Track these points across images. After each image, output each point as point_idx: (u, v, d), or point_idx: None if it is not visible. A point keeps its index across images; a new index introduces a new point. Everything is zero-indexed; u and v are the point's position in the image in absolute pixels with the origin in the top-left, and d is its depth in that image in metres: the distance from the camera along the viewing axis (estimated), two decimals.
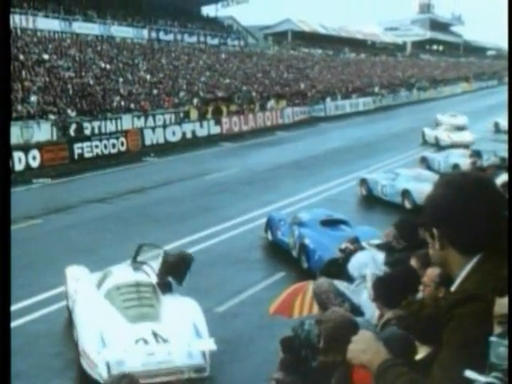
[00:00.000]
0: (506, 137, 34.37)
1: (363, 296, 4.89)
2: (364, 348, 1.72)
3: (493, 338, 1.42)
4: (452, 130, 28.43)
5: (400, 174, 17.37)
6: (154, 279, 8.73)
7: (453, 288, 1.72)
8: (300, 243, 11.86)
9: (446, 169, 18.91)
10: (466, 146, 24.41)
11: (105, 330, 7.48)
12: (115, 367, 6.88)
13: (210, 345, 7.47)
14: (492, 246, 1.64)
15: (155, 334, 7.44)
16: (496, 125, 33.03)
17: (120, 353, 7.14)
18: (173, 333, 7.56)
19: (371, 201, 17.54)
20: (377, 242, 6.07)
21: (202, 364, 7.33)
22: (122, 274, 8.94)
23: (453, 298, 1.70)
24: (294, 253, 12.18)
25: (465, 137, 27.44)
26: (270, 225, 13.57)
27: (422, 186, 14.69)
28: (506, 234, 1.60)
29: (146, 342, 7.36)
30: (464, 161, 17.43)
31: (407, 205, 16.15)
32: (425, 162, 21.64)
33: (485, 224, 1.64)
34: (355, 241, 6.97)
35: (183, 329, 7.71)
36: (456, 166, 17.98)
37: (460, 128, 29.96)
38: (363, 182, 18.29)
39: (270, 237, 13.53)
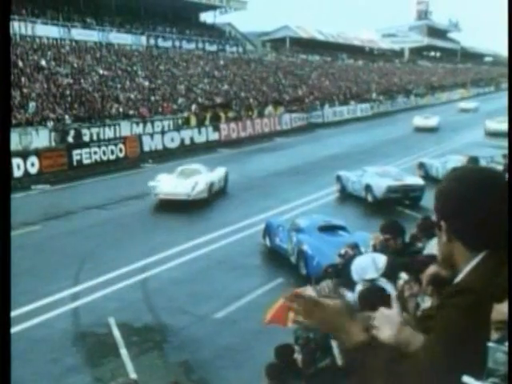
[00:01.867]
0: (498, 139, 36.60)
1: None
2: (389, 325, 1.73)
3: (491, 344, 1.41)
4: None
5: (367, 170, 18.58)
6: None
7: (456, 280, 1.72)
8: (298, 249, 11.89)
9: (443, 174, 18.97)
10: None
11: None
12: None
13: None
14: (498, 243, 1.63)
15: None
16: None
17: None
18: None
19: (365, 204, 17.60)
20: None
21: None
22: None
23: (447, 290, 1.71)
24: (293, 259, 12.21)
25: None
26: (268, 231, 13.60)
27: (382, 180, 17.42)
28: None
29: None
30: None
31: (369, 198, 17.70)
32: (423, 168, 21.87)
33: (494, 220, 1.63)
34: (355, 246, 7.03)
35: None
36: None
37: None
38: (338, 178, 19.47)
39: (268, 243, 13.57)
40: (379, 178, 17.80)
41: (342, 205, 18.38)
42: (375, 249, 6.02)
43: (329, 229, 12.51)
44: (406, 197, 17.64)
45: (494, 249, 1.65)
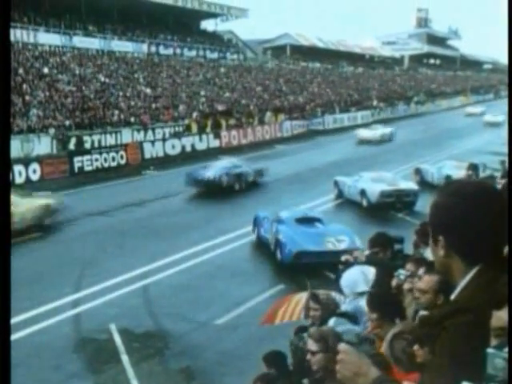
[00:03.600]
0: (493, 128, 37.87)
1: (359, 303, 4.98)
2: (355, 370, 1.72)
3: (490, 350, 1.42)
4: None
5: (362, 175, 19.03)
6: None
7: (452, 296, 1.73)
8: (275, 238, 12.95)
9: (439, 180, 19.78)
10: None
11: None
12: None
13: None
14: (494, 256, 1.64)
15: None
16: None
17: None
18: None
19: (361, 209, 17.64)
20: (368, 252, 6.17)
21: None
22: None
23: (445, 309, 1.74)
24: (272, 247, 13.23)
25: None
26: (256, 223, 14.63)
27: (376, 185, 17.79)
28: (507, 245, 1.62)
29: None
30: (456, 172, 18.30)
31: (364, 203, 18.11)
32: (419, 174, 22.21)
33: (489, 235, 1.64)
34: (355, 251, 7.05)
35: None
36: (448, 177, 18.74)
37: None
38: (335, 183, 19.96)
39: (255, 234, 14.56)
40: (373, 183, 18.15)
41: (342, 211, 18.39)
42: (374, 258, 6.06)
43: (305, 220, 13.67)
44: (399, 201, 17.88)
45: (489, 262, 1.65)
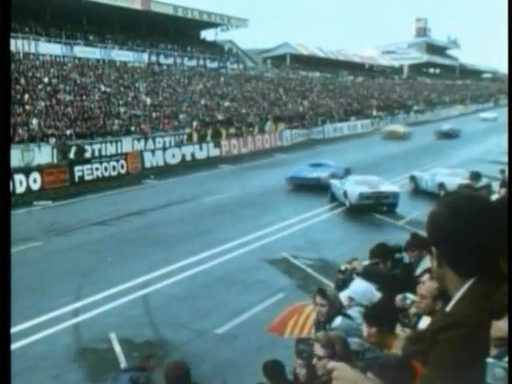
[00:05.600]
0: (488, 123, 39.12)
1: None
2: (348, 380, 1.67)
3: (490, 360, 1.42)
4: None
5: (349, 178, 20.46)
6: None
7: (448, 308, 1.73)
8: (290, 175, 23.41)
9: (432, 187, 20.80)
10: None
11: None
12: None
13: None
14: (487, 270, 1.64)
15: None
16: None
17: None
18: None
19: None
20: (365, 262, 6.20)
21: None
22: None
23: (439, 323, 1.73)
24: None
25: None
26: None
27: (357, 187, 18.96)
28: (502, 259, 1.61)
29: None
30: (449, 179, 19.40)
31: (347, 203, 19.25)
32: (413, 181, 22.66)
33: (483, 248, 1.64)
34: (353, 260, 7.06)
35: None
36: (442, 185, 19.88)
37: None
38: (328, 186, 21.18)
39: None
40: (356, 185, 19.15)
41: (341, 220, 18.45)
42: (357, 273, 6.07)
43: (317, 165, 23.85)
44: (378, 203, 18.74)
45: (482, 276, 1.65)
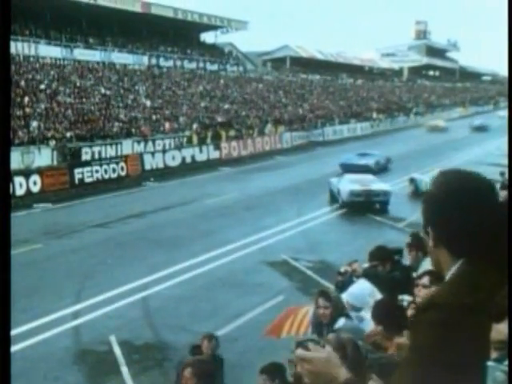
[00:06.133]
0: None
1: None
2: (319, 371, 1.63)
3: (490, 363, 1.41)
4: None
5: (344, 177, 21.16)
6: None
7: (434, 289, 1.74)
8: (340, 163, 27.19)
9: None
10: None
11: None
12: None
13: None
14: (479, 250, 1.61)
15: None
16: None
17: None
18: None
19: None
20: (365, 265, 6.21)
21: None
22: None
23: (422, 303, 1.73)
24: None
25: None
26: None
27: (348, 185, 19.72)
28: (497, 241, 1.57)
29: None
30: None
31: (340, 201, 20.09)
32: (413, 183, 22.70)
33: (477, 226, 1.60)
34: (353, 262, 7.06)
35: None
36: None
37: None
38: (328, 184, 21.70)
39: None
40: (349, 183, 19.97)
41: (341, 222, 18.47)
42: (372, 272, 6.09)
43: (364, 154, 28.65)
44: (369, 200, 19.44)
45: (473, 256, 1.62)
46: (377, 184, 20.27)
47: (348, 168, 25.52)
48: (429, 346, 1.53)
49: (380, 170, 27.18)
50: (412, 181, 22.81)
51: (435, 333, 1.53)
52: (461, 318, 1.51)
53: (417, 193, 21.42)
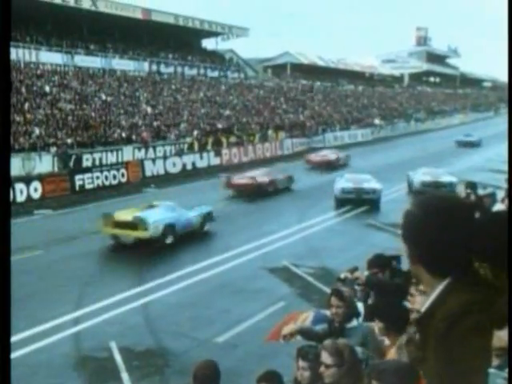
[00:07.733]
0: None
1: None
2: None
3: (491, 370, 1.42)
4: None
5: (343, 176, 22.48)
6: None
7: (423, 309, 1.71)
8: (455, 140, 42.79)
9: (417, 185, 22.49)
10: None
11: None
12: None
13: None
14: (462, 271, 1.62)
15: None
16: None
17: None
18: None
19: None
20: (365, 273, 6.21)
21: None
22: None
23: (453, 314, 1.68)
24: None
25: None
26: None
27: (342, 183, 21.25)
28: (481, 265, 1.59)
29: None
30: (426, 178, 22.46)
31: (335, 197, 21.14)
32: (407, 180, 24.15)
33: (455, 249, 1.62)
34: (355, 270, 7.05)
35: None
36: (424, 182, 22.16)
37: None
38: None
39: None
40: (344, 182, 21.44)
41: (344, 227, 18.42)
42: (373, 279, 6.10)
43: (468, 134, 45.47)
44: (359, 198, 20.68)
45: (457, 277, 1.63)
46: (369, 183, 21.32)
47: (461, 144, 42.01)
48: (412, 356, 1.59)
49: (479, 144, 41.92)
50: (407, 178, 24.07)
51: (415, 345, 1.59)
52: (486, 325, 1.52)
53: (410, 190, 22.89)
